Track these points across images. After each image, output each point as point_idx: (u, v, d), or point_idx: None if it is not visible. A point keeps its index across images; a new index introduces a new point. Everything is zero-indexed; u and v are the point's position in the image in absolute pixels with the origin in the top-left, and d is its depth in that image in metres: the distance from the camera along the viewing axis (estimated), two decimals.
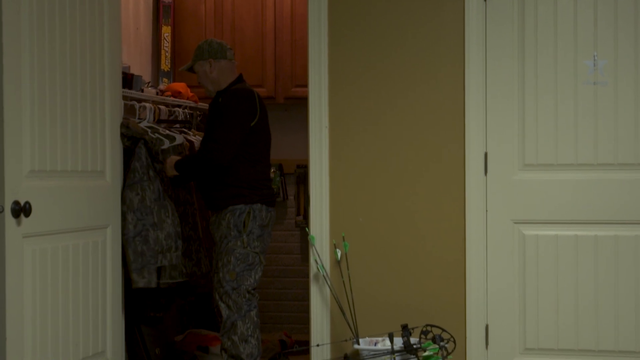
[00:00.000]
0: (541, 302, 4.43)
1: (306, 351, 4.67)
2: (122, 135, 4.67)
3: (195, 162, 4.70)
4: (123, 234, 4.64)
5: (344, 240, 4.52)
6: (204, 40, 4.91)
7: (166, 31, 6.39)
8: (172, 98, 5.85)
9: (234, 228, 4.61)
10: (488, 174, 4.46)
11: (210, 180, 4.69)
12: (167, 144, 5.11)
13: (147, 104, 5.34)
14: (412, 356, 4.11)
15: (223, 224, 4.63)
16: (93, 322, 4.30)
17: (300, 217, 6.43)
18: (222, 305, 4.62)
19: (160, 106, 5.53)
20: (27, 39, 3.80)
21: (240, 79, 4.81)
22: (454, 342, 4.15)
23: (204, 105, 6.21)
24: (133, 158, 4.74)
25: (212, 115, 4.73)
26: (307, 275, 4.64)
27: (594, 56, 4.39)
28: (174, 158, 4.80)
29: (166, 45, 6.38)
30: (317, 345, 4.51)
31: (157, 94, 5.71)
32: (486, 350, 4.47)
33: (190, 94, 6.05)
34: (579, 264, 4.41)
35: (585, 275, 4.40)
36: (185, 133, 5.57)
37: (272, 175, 6.10)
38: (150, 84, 5.85)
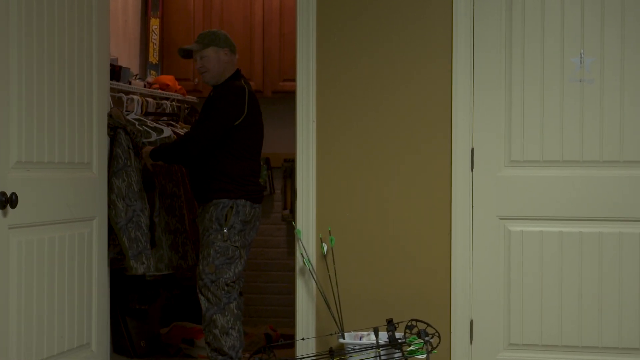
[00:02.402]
0: (526, 297, 4.45)
1: (291, 345, 4.68)
2: (107, 125, 4.67)
3: (168, 149, 4.74)
4: (116, 223, 4.68)
5: (330, 234, 4.53)
6: (215, 29, 4.89)
7: (154, 24, 6.37)
8: (160, 91, 5.84)
9: (216, 221, 4.61)
10: (474, 169, 4.48)
11: (199, 173, 4.69)
12: (154, 137, 5.11)
13: (134, 97, 5.34)
14: (397, 351, 4.12)
15: (206, 216, 4.64)
16: (78, 314, 4.30)
17: (287, 211, 6.44)
18: (201, 298, 4.64)
19: (148, 99, 5.53)
20: (15, 30, 3.79)
21: (237, 74, 4.78)
22: (439, 336, 4.17)
23: (192, 98, 6.21)
24: (114, 145, 4.74)
25: (203, 107, 4.73)
26: (293, 269, 4.65)
27: (581, 54, 4.41)
28: (148, 148, 4.85)
29: (154, 37, 6.37)
30: (302, 339, 4.52)
31: (145, 86, 5.71)
32: (470, 345, 4.49)
33: (178, 87, 6.05)
34: (564, 260, 4.43)
35: (569, 271, 4.42)
36: (173, 126, 5.57)
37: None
38: (138, 77, 5.84)
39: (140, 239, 4.77)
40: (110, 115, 4.71)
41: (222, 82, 4.73)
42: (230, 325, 4.60)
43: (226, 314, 4.60)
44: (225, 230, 4.60)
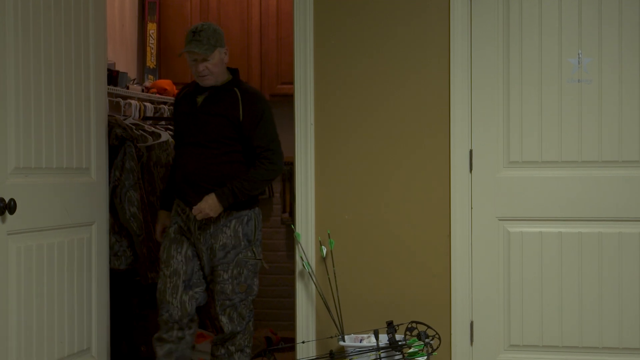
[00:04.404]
0: (526, 298, 4.44)
1: (292, 348, 4.68)
2: (116, 136, 4.70)
3: (260, 180, 4.31)
4: (138, 235, 4.77)
5: (329, 237, 4.53)
6: (210, 22, 4.43)
7: (152, 28, 6.37)
8: (157, 95, 5.84)
9: (244, 238, 4.33)
10: (473, 171, 4.48)
11: (210, 182, 4.30)
12: (150, 141, 5.11)
13: (132, 101, 5.33)
14: (398, 353, 4.12)
15: (227, 232, 4.31)
16: (78, 319, 4.30)
17: (286, 215, 6.44)
18: (224, 320, 4.35)
19: (145, 103, 5.53)
20: (12, 36, 3.79)
21: (238, 74, 4.47)
22: (439, 338, 4.17)
23: None
24: (125, 157, 4.77)
25: (250, 118, 4.29)
26: (292, 272, 4.64)
27: (579, 54, 4.41)
28: (212, 198, 4.25)
29: (152, 42, 6.37)
30: (303, 342, 4.51)
31: (142, 91, 5.71)
32: (471, 346, 4.49)
33: (176, 91, 6.05)
34: (563, 261, 4.43)
35: (569, 272, 4.42)
36: (171, 130, 5.57)
37: None
38: (135, 81, 5.84)
39: (152, 248, 4.82)
40: (124, 129, 4.74)
41: (224, 82, 4.37)
42: (246, 344, 4.43)
43: (246, 332, 4.41)
44: (254, 247, 4.36)
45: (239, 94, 4.33)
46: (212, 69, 4.29)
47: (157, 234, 4.58)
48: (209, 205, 4.25)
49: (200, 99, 4.36)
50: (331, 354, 4.21)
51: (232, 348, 4.39)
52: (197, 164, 4.31)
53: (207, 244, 4.34)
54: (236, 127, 4.30)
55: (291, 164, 4.72)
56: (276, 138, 4.38)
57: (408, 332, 4.15)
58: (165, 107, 5.78)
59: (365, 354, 4.17)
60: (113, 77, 5.20)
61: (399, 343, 4.10)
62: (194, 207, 4.26)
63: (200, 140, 4.31)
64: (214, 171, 4.29)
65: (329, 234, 4.53)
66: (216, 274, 4.34)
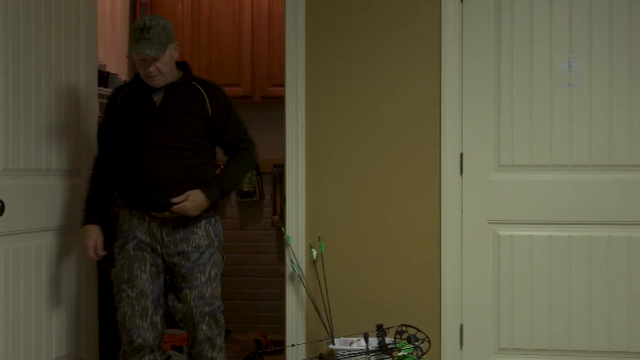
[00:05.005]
0: (515, 302, 4.45)
1: (281, 351, 4.67)
2: None
3: (241, 169, 4.16)
4: None
5: (319, 240, 4.52)
6: (157, 15, 4.05)
7: None
8: None
9: (216, 239, 4.09)
10: (463, 174, 4.48)
11: (188, 185, 3.98)
12: None
13: None
14: (387, 356, 4.11)
15: (199, 232, 4.03)
16: (67, 322, 4.28)
17: (277, 217, 6.43)
18: (204, 328, 4.00)
19: None
20: (2, 37, 3.78)
21: (189, 67, 4.16)
22: (429, 342, 4.16)
23: None
24: None
25: (220, 112, 4.05)
26: (283, 275, 4.64)
27: (569, 58, 4.41)
28: (199, 195, 3.97)
29: None
30: (292, 345, 4.51)
31: None
32: (461, 350, 4.49)
33: None
34: (553, 264, 4.43)
35: (558, 275, 4.42)
36: None
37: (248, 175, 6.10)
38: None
39: None
40: None
41: (178, 77, 4.04)
42: (223, 345, 4.13)
43: (222, 332, 4.11)
44: (221, 250, 4.13)
45: (201, 88, 4.04)
46: (163, 69, 3.94)
47: (89, 251, 4.02)
48: (197, 203, 3.95)
49: (157, 98, 3.99)
50: (321, 357, 4.21)
51: (215, 354, 4.07)
52: (170, 168, 3.95)
53: (178, 249, 4.01)
54: (205, 124, 4.03)
55: (282, 166, 4.71)
56: (245, 127, 4.16)
57: (398, 336, 4.14)
58: None
59: (355, 357, 4.16)
60: (104, 78, 5.19)
61: (389, 346, 4.10)
62: (177, 206, 3.93)
63: (169, 142, 3.96)
64: (190, 174, 3.98)
65: (319, 236, 4.53)
66: (191, 279, 3.99)
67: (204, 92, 4.04)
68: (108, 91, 5.19)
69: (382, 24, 4.51)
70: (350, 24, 4.52)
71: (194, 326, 4.01)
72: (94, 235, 4.01)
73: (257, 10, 6.29)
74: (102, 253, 4.02)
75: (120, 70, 6.05)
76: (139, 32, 3.90)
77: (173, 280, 4.09)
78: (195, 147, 4.01)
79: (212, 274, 4.05)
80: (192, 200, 3.95)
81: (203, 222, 4.05)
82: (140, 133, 3.99)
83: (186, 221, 4.01)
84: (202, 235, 4.04)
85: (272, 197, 6.51)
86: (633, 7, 4.36)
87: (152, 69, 3.92)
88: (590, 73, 4.39)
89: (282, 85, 4.61)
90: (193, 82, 4.06)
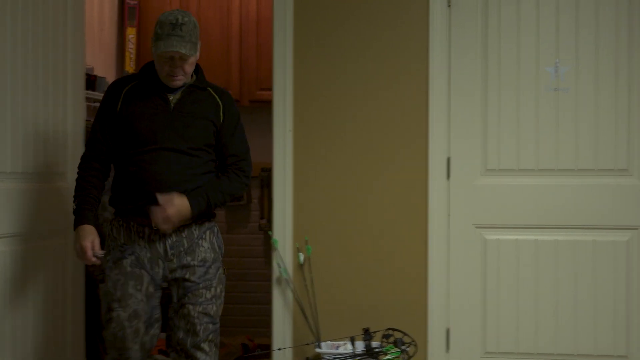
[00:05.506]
0: (502, 306, 4.46)
1: (268, 355, 4.67)
2: None
3: (236, 194, 3.81)
4: None
5: (307, 244, 4.53)
6: (186, 12, 3.74)
7: (131, 33, 6.35)
8: None
9: (219, 250, 3.79)
10: (450, 178, 4.49)
11: (181, 188, 3.65)
12: None
13: None
14: None
15: (205, 244, 3.73)
16: (53, 327, 4.26)
17: (264, 221, 6.43)
18: (206, 348, 3.68)
19: None
20: None
21: (202, 71, 3.84)
22: (415, 345, 4.17)
23: None
24: None
25: (229, 123, 3.76)
26: (270, 279, 4.63)
27: (556, 63, 4.43)
28: (185, 205, 3.60)
29: (131, 47, 6.35)
30: (279, 349, 4.50)
31: None
32: (447, 353, 4.49)
33: None
34: (539, 268, 4.44)
35: (544, 279, 4.44)
36: None
37: None
38: None
39: None
40: None
41: (191, 81, 3.76)
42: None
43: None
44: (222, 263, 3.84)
45: (215, 95, 3.76)
46: (188, 70, 3.64)
47: (87, 252, 3.59)
48: (181, 212, 3.59)
49: (173, 98, 3.68)
50: None
51: None
52: (180, 175, 3.63)
53: (182, 262, 3.69)
54: (216, 133, 3.74)
55: (270, 170, 4.71)
56: (248, 147, 3.87)
57: (384, 339, 4.15)
58: None
59: None
60: (91, 81, 5.18)
61: (375, 350, 4.10)
62: (158, 215, 3.56)
63: (181, 147, 3.64)
64: (196, 184, 3.66)
65: (306, 240, 4.53)
66: (196, 294, 3.68)
67: (218, 99, 3.75)
68: (96, 94, 5.19)
69: (369, 29, 4.52)
70: (338, 28, 4.53)
71: (190, 348, 3.67)
72: (90, 236, 3.60)
73: (245, 14, 6.29)
74: (100, 254, 3.62)
75: (108, 73, 6.04)
76: (171, 28, 3.59)
77: (172, 295, 3.74)
78: (206, 155, 3.71)
79: (218, 290, 3.74)
80: (177, 207, 3.58)
81: (207, 232, 3.75)
82: (149, 132, 3.63)
83: (190, 232, 3.69)
84: (208, 248, 3.73)
85: (260, 200, 6.51)
86: (620, 12, 4.38)
87: (178, 69, 3.61)
88: (577, 78, 4.41)
89: (270, 89, 4.62)
90: (208, 88, 3.77)
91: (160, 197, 3.55)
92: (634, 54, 4.38)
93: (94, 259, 3.60)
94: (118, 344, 3.63)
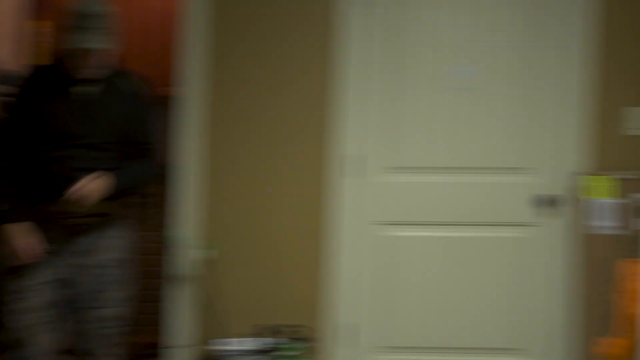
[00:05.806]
0: (405, 301, 4.55)
1: (162, 353, 4.61)
2: None
3: (146, 180, 3.76)
4: None
5: (211, 241, 4.53)
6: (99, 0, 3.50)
7: (46, 25, 6.22)
8: None
9: (129, 250, 3.69)
10: (349, 175, 4.54)
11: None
12: None
13: None
14: (278, 356, 4.14)
15: (121, 242, 3.63)
16: None
17: (167, 218, 6.37)
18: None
19: None
20: None
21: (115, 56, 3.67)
22: (319, 341, 4.21)
23: None
24: None
25: (140, 109, 3.64)
26: (169, 277, 4.61)
27: (463, 64, 4.52)
28: (97, 182, 3.46)
29: (46, 40, 6.22)
30: (178, 347, 4.46)
31: None
32: (351, 348, 4.56)
33: None
34: (442, 263, 4.56)
35: (449, 275, 4.56)
36: None
37: None
38: None
39: None
40: None
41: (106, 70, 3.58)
42: None
43: None
44: None
45: (126, 84, 3.60)
46: (100, 61, 3.48)
47: (27, 250, 3.50)
48: (99, 186, 3.45)
49: (85, 90, 3.51)
50: (208, 359, 4.20)
51: None
52: (92, 171, 3.49)
53: (88, 261, 3.58)
54: (128, 123, 3.59)
55: (176, 167, 4.69)
56: (161, 136, 3.76)
57: (287, 336, 4.18)
58: None
59: (243, 358, 4.17)
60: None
61: (278, 346, 4.13)
62: (77, 187, 3.41)
63: (96, 142, 3.51)
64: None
65: (212, 238, 4.53)
66: (102, 297, 3.59)
67: (130, 89, 3.60)
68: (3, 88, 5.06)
69: (277, 25, 4.53)
70: (250, 27, 4.54)
71: (98, 346, 3.61)
72: (25, 236, 3.47)
73: (148, 6, 6.23)
74: (41, 249, 3.46)
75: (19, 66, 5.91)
76: (82, 19, 3.39)
77: (75, 298, 3.59)
78: (117, 152, 3.57)
79: (125, 292, 3.63)
80: (97, 183, 3.44)
81: (117, 229, 3.62)
82: (65, 128, 3.49)
83: (99, 230, 3.55)
84: (124, 245, 3.63)
85: (163, 197, 6.45)
86: (530, 15, 4.51)
87: (93, 62, 3.44)
88: (488, 78, 4.50)
89: (181, 86, 4.58)
90: (120, 77, 3.58)
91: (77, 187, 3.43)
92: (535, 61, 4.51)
93: (34, 257, 3.51)
94: (23, 336, 3.51)
